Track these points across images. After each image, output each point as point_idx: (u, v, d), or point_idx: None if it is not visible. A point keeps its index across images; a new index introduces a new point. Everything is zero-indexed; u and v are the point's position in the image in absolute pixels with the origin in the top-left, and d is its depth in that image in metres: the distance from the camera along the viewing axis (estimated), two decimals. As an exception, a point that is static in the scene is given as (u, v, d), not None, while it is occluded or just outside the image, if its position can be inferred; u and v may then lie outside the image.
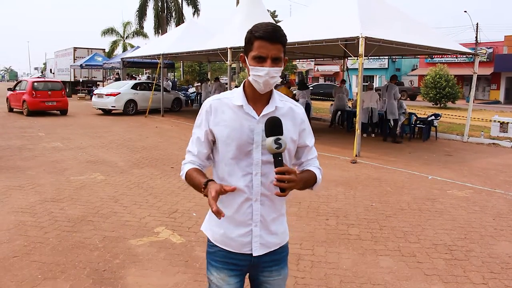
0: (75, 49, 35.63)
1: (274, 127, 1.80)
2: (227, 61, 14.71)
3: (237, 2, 32.55)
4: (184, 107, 23.49)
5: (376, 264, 4.45)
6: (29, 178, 7.54)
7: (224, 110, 1.94)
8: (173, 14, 41.12)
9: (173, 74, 37.51)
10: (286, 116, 1.94)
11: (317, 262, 4.45)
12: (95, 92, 21.13)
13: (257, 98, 1.93)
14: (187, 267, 4.26)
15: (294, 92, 16.68)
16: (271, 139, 1.77)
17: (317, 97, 28.83)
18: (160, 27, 39.97)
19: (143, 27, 42.63)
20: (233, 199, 1.93)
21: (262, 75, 1.84)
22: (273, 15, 40.18)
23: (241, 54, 1.96)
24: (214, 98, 2.01)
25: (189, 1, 40.51)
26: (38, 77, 60.14)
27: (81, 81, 34.16)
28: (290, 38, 12.50)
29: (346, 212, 6.09)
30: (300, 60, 37.01)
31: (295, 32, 12.61)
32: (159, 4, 40.52)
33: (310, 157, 2.09)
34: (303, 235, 5.17)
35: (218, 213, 1.71)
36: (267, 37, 1.82)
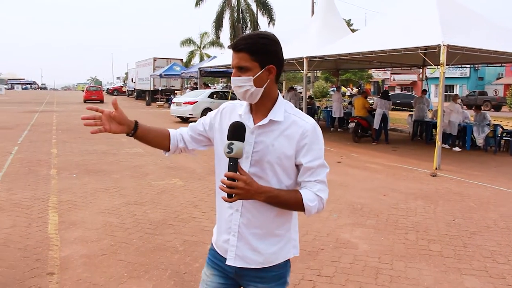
0: (154, 59, 37.35)
1: (233, 131, 1.74)
2: (302, 70, 14.73)
3: (312, 12, 32.62)
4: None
5: (460, 284, 4.23)
6: (114, 181, 7.98)
7: (230, 116, 1.94)
8: (248, 24, 41.89)
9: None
10: (283, 130, 1.84)
11: (397, 277, 4.31)
12: (173, 100, 21.96)
13: (257, 109, 1.89)
14: (264, 275, 4.29)
15: (371, 101, 16.34)
16: (226, 143, 1.73)
17: (393, 107, 28.03)
18: (236, 37, 40.76)
19: (219, 37, 43.81)
20: (223, 204, 1.89)
21: (232, 85, 1.85)
22: (348, 23, 39.66)
23: None
24: (231, 102, 2.03)
25: (264, 11, 41.11)
26: (121, 86, 63.43)
27: (160, 89, 35.65)
28: (366, 47, 12.39)
29: (427, 227, 5.86)
30: (376, 69, 36.23)
31: (372, 41, 12.42)
32: (235, 15, 41.45)
33: (306, 178, 1.86)
34: (381, 249, 5.04)
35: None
36: (232, 47, 1.81)
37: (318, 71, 38.23)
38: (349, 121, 15.74)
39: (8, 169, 8.86)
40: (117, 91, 61.55)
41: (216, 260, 2.01)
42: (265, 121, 1.84)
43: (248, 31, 40.85)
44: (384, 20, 14.02)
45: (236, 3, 41.77)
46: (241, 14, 41.82)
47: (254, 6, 41.74)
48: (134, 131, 1.93)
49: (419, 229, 5.78)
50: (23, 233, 5.21)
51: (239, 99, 1.90)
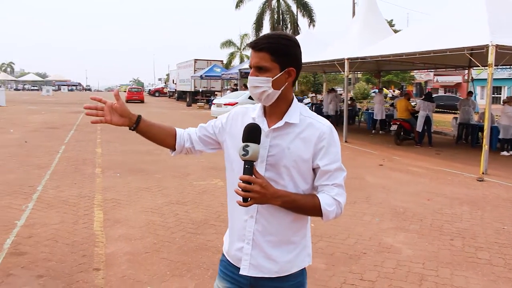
0: (195, 60, 37.86)
1: (249, 133, 1.69)
2: (343, 71, 14.58)
3: (353, 13, 32.25)
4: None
5: (510, 293, 4.08)
6: (156, 181, 8.13)
7: (243, 120, 1.87)
8: (289, 26, 41.87)
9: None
10: (299, 133, 1.78)
11: (442, 285, 4.19)
12: (214, 101, 22.21)
13: (271, 112, 1.83)
14: (305, 277, 4.26)
15: (414, 104, 15.97)
16: (241, 145, 1.67)
17: (437, 110, 27.33)
18: (276, 38, 40.81)
19: (259, 39, 43.86)
20: (236, 210, 1.84)
21: (248, 85, 1.78)
22: (390, 24, 38.93)
23: None
24: (243, 106, 1.97)
25: (304, 13, 40.99)
26: (162, 87, 64.68)
27: (200, 91, 36.10)
28: (410, 48, 12.09)
29: (474, 234, 5.67)
30: (418, 71, 35.40)
31: (415, 41, 12.15)
32: (275, 16, 41.53)
33: (324, 182, 1.79)
34: (425, 254, 4.91)
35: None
36: (252, 45, 1.75)
37: (359, 72, 37.75)
38: (391, 123, 15.46)
39: (56, 167, 9.18)
40: (158, 92, 62.85)
41: (228, 272, 1.92)
42: (280, 123, 1.78)
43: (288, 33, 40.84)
44: (428, 20, 13.70)
45: (276, 4, 41.87)
46: (281, 16, 41.87)
47: (294, 7, 41.78)
48: (136, 125, 1.88)
49: (465, 235, 5.60)
50: (71, 229, 5.39)
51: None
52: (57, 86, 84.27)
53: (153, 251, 4.79)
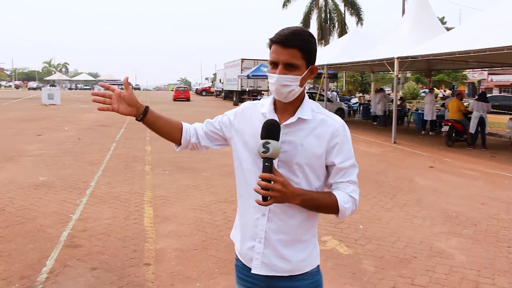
0: (242, 60, 38.04)
1: (268, 129, 1.63)
2: (393, 71, 14.26)
3: (403, 11, 31.47)
4: (347, 118, 23.44)
5: None
6: (204, 179, 8.23)
7: (252, 115, 1.85)
8: (336, 25, 41.40)
9: (335, 84, 37.72)
10: (312, 129, 1.74)
11: (499, 293, 4.02)
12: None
13: (283, 108, 1.78)
14: (354, 280, 4.20)
15: (467, 104, 15.42)
16: (261, 142, 1.61)
17: (491, 110, 26.31)
18: (323, 38, 40.52)
19: (306, 38, 43.58)
20: (248, 208, 1.81)
21: (272, 82, 1.70)
22: (442, 21, 37.72)
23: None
24: (250, 102, 1.94)
25: (352, 11, 40.40)
26: (209, 87, 65.64)
27: (247, 90, 36.25)
28: (463, 46, 11.67)
29: (533, 241, 5.40)
30: (472, 70, 34.18)
31: (469, 39, 11.72)
32: (322, 15, 41.15)
33: (339, 179, 1.77)
34: (481, 261, 4.72)
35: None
36: (279, 41, 1.66)
37: (408, 72, 36.85)
38: (443, 124, 14.99)
39: (108, 163, 9.48)
40: (205, 92, 63.68)
41: (244, 276, 1.90)
42: (293, 119, 1.74)
43: (336, 32, 40.48)
44: (483, 17, 13.15)
45: (324, 3, 41.49)
46: (328, 15, 41.43)
47: (342, 6, 41.21)
48: (143, 115, 1.84)
49: (523, 242, 5.35)
50: (122, 225, 5.54)
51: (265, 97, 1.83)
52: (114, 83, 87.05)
53: (201, 248, 4.86)
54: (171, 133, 1.94)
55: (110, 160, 9.95)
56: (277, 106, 1.80)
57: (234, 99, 38.34)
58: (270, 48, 1.71)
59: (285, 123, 1.73)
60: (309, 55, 1.70)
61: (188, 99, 44.11)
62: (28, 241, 4.93)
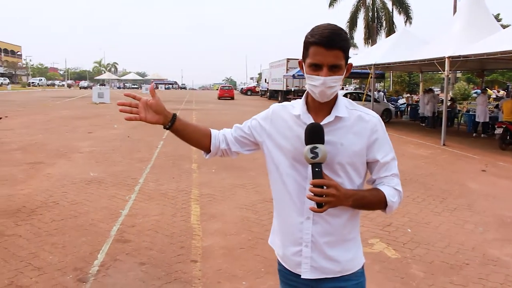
0: (288, 60, 37.95)
1: (312, 134, 1.59)
2: (443, 71, 13.83)
3: (454, 9, 30.45)
4: (394, 118, 22.95)
5: None
6: (250, 178, 8.27)
7: (284, 118, 1.81)
8: (384, 24, 40.60)
9: (381, 84, 37.00)
10: (350, 127, 1.71)
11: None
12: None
13: (318, 107, 1.73)
14: (403, 284, 4.10)
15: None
16: (307, 148, 1.57)
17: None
18: (370, 37, 39.86)
19: (353, 38, 43.04)
20: (289, 213, 1.77)
21: (317, 84, 1.63)
22: (497, 18, 36.20)
23: (299, 60, 1.75)
24: (279, 104, 1.89)
25: (400, 10, 39.48)
26: (254, 86, 66.02)
27: (292, 90, 36.16)
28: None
29: None
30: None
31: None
32: (370, 14, 40.47)
33: (382, 174, 1.74)
34: (538, 270, 4.50)
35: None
36: (323, 43, 1.59)
37: (459, 71, 35.63)
38: (496, 126, 14.39)
39: (155, 161, 9.70)
40: (250, 91, 64.06)
41: (289, 281, 1.86)
42: (330, 118, 1.70)
43: (383, 31, 39.69)
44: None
45: (371, 2, 40.80)
46: (376, 13, 40.70)
47: (389, 4, 40.39)
48: (172, 123, 1.82)
49: None
50: (170, 221, 5.65)
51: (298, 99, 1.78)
52: (155, 84, 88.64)
53: (248, 247, 4.88)
54: (200, 140, 1.91)
55: (158, 157, 10.17)
56: (311, 106, 1.76)
57: (279, 98, 38.33)
58: (307, 49, 1.67)
59: (323, 122, 1.70)
60: (347, 53, 1.68)
61: (232, 98, 45.24)
62: (81, 234, 5.11)
